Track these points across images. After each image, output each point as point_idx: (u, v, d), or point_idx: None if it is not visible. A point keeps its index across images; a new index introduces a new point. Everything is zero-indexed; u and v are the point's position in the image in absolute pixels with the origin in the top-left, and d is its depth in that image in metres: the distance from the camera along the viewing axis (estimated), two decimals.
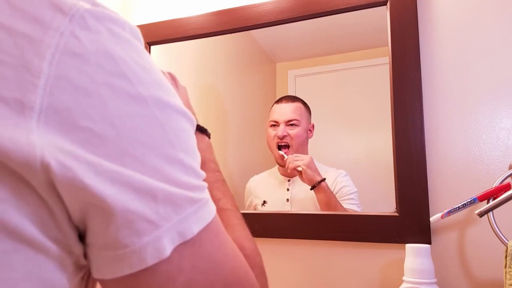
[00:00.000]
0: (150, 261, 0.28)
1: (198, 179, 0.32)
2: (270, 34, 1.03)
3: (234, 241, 0.37)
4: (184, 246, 0.29)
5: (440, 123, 0.82)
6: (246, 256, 0.36)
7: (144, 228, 0.28)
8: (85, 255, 0.31)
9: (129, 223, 0.27)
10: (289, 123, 0.98)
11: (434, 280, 0.71)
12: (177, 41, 1.08)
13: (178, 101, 0.32)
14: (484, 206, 0.71)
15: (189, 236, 0.29)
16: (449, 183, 0.80)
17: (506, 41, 0.80)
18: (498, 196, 0.71)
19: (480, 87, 0.81)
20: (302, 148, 0.98)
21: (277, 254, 0.91)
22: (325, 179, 0.93)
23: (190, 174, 0.31)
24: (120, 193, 0.27)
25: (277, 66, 1.08)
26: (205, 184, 0.33)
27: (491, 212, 0.71)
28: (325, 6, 0.92)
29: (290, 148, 0.98)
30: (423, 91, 0.83)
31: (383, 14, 0.88)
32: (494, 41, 0.81)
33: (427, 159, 0.81)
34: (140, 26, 1.11)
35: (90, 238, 0.29)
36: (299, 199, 0.97)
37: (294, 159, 0.96)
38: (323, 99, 1.02)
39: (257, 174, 1.06)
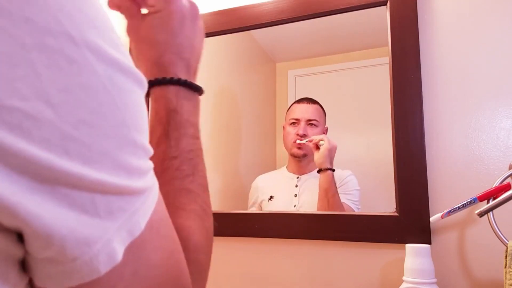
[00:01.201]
0: (103, 269, 0.24)
1: (147, 159, 0.27)
2: (270, 34, 1.03)
3: (181, 229, 0.34)
4: (130, 247, 0.25)
5: (440, 123, 0.82)
6: (186, 249, 0.33)
7: (92, 233, 0.23)
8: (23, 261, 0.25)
9: (73, 231, 0.22)
10: (310, 122, 1.00)
11: (434, 280, 0.71)
12: None
13: (130, 61, 0.27)
14: (484, 206, 0.71)
15: (137, 233, 0.25)
16: (449, 183, 0.80)
17: (506, 41, 0.80)
18: (498, 196, 0.71)
19: (480, 87, 0.81)
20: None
21: (277, 254, 0.91)
22: (334, 170, 0.95)
23: (141, 155, 0.26)
24: (51, 197, 0.21)
25: (277, 66, 1.08)
26: (151, 164, 0.28)
27: (491, 212, 0.71)
28: (325, 6, 0.92)
29: (306, 149, 1.00)
30: (423, 91, 0.83)
31: (383, 14, 0.88)
32: (494, 41, 0.81)
33: (427, 159, 0.81)
34: None
35: (29, 248, 0.23)
36: (307, 195, 0.98)
37: (320, 137, 0.98)
38: (323, 99, 1.02)
39: (257, 173, 1.06)
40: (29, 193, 0.21)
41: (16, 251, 0.24)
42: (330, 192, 0.93)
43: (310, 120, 1.00)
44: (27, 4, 0.21)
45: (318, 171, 0.95)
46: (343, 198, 0.93)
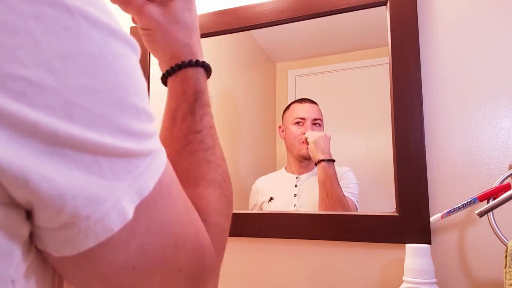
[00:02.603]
0: (116, 227, 0.25)
1: (151, 122, 0.28)
2: (270, 34, 1.03)
3: (201, 196, 0.36)
4: (140, 206, 0.26)
5: (440, 123, 0.82)
6: (206, 213, 0.35)
7: (102, 193, 0.24)
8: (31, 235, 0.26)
9: (83, 191, 0.23)
10: (315, 122, 1.00)
11: (434, 280, 0.71)
12: None
13: (119, 26, 0.27)
14: (484, 206, 0.71)
15: (146, 193, 0.27)
16: (449, 183, 0.80)
17: (506, 41, 0.80)
18: (498, 196, 0.71)
19: (480, 87, 0.81)
20: None
21: (277, 254, 0.91)
22: (329, 160, 0.94)
23: (144, 119, 0.27)
24: (60, 161, 0.23)
25: (277, 66, 1.08)
26: (156, 129, 0.30)
27: (491, 212, 0.71)
28: (325, 6, 0.92)
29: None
30: (423, 91, 0.83)
31: (383, 14, 0.88)
32: (494, 41, 0.81)
33: (427, 159, 0.81)
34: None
35: (40, 221, 0.24)
36: (306, 194, 0.98)
37: (310, 134, 0.98)
38: (323, 99, 1.02)
39: (256, 173, 1.06)
40: (39, 157, 0.22)
41: (23, 230, 0.25)
42: (327, 183, 0.92)
43: (315, 119, 0.99)
44: None
45: (316, 164, 0.95)
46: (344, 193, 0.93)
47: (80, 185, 0.23)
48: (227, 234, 0.40)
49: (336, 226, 0.86)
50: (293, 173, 1.02)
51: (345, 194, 0.93)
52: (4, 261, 0.24)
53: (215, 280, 0.37)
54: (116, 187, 0.25)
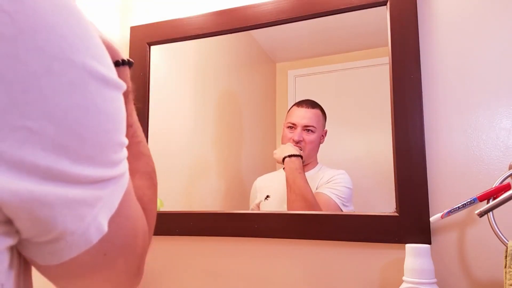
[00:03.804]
0: (95, 239, 0.30)
1: (122, 150, 0.34)
2: (270, 34, 1.03)
3: (138, 188, 0.41)
4: (112, 216, 0.32)
5: (440, 123, 0.82)
6: (143, 202, 0.41)
7: (84, 211, 0.29)
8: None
9: (71, 211, 0.28)
10: (306, 128, 1.00)
11: (434, 280, 0.71)
12: (177, 41, 1.08)
13: (113, 71, 0.32)
14: (484, 206, 0.71)
15: (114, 209, 0.32)
16: (449, 183, 0.80)
17: (506, 41, 0.80)
18: (498, 196, 0.71)
19: (480, 87, 0.81)
20: (313, 153, 1.00)
21: (277, 254, 0.91)
22: (293, 155, 0.97)
23: (118, 150, 0.32)
24: (59, 187, 0.27)
25: (277, 66, 1.08)
26: (126, 153, 0.34)
27: (491, 212, 0.71)
28: (325, 6, 0.92)
29: (302, 152, 0.99)
30: (423, 91, 0.83)
31: (383, 14, 0.88)
32: (494, 41, 0.81)
33: (427, 159, 0.81)
34: (140, 26, 1.11)
35: (29, 236, 0.29)
36: None
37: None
38: (323, 99, 1.02)
39: (257, 173, 1.06)
40: (39, 187, 0.26)
41: (12, 241, 0.29)
42: (290, 178, 0.96)
43: (306, 126, 1.00)
44: (38, 34, 0.25)
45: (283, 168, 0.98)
46: (325, 190, 0.94)
47: (69, 207, 0.28)
48: (155, 218, 0.47)
49: (336, 226, 0.86)
50: None
51: (328, 193, 0.94)
52: None
53: (147, 249, 0.44)
54: (94, 205, 0.30)
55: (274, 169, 1.05)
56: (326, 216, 0.88)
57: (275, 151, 1.01)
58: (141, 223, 0.39)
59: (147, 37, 1.10)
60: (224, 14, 1.02)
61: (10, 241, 0.29)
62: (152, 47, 1.11)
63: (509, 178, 0.73)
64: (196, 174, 1.11)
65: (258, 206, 1.02)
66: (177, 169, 1.11)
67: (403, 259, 0.75)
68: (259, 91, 1.11)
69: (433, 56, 0.84)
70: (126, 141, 0.34)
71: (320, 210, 0.91)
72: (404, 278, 0.73)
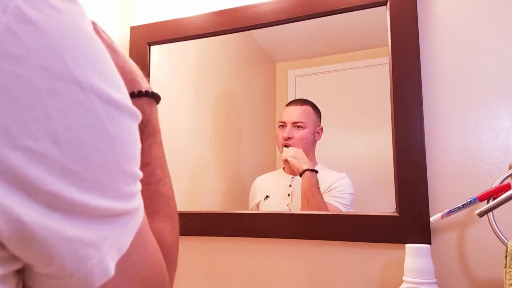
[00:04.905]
0: (98, 283, 0.27)
1: (135, 183, 0.31)
2: (270, 34, 1.03)
3: (157, 232, 0.38)
4: (120, 259, 0.29)
5: (440, 123, 0.82)
6: (164, 249, 0.37)
7: (88, 253, 0.26)
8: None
9: (72, 251, 0.26)
10: (296, 125, 1.00)
11: (434, 280, 0.71)
12: (177, 41, 1.08)
13: (127, 97, 0.30)
14: (484, 206, 0.71)
15: (124, 249, 0.29)
16: (449, 183, 0.80)
17: (506, 41, 0.80)
18: (498, 196, 0.70)
19: (480, 87, 0.81)
20: (308, 150, 1.00)
21: (277, 254, 0.91)
22: (312, 170, 0.96)
23: (130, 182, 0.30)
24: (58, 221, 0.25)
25: (277, 66, 1.08)
26: (139, 186, 0.32)
27: (491, 212, 0.71)
28: (325, 6, 0.92)
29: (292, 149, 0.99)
30: (423, 91, 0.83)
31: (383, 14, 0.88)
32: (494, 41, 0.81)
33: (427, 159, 0.81)
34: (140, 26, 1.11)
35: (30, 263, 0.27)
36: (299, 195, 0.98)
37: (285, 152, 1.00)
38: (323, 99, 1.02)
39: (257, 173, 1.06)
40: (42, 216, 0.24)
41: (15, 266, 0.27)
42: (308, 192, 0.95)
43: (295, 122, 1.00)
44: (43, 53, 0.24)
45: (300, 176, 0.97)
46: (331, 200, 0.94)
47: (71, 245, 0.26)
48: (176, 265, 0.43)
49: (336, 226, 0.86)
50: (289, 173, 1.02)
51: (335, 203, 0.93)
52: None
53: None
54: (101, 246, 0.27)
55: (274, 169, 1.05)
56: (326, 216, 0.88)
57: (287, 155, 0.99)
58: (159, 271, 0.35)
59: (147, 37, 1.10)
60: (224, 14, 1.02)
61: (16, 265, 0.27)
62: (152, 47, 1.11)
63: (509, 178, 0.73)
64: (196, 174, 1.11)
65: (257, 206, 1.02)
66: (177, 169, 1.11)
67: (403, 259, 0.75)
68: (259, 91, 1.11)
69: (433, 56, 0.84)
70: (140, 173, 0.32)
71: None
72: (404, 278, 0.73)
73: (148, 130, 0.44)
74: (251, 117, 1.11)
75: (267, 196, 1.02)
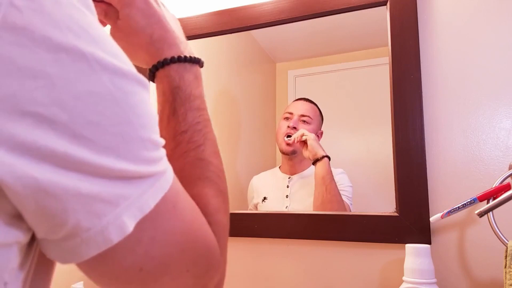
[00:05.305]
0: (116, 239, 0.28)
1: (157, 149, 0.32)
2: (270, 34, 1.03)
3: (199, 197, 0.38)
4: (144, 220, 0.30)
5: (440, 123, 0.82)
6: (207, 214, 0.37)
7: (102, 208, 0.27)
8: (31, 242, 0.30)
9: (86, 206, 0.27)
10: (302, 118, 1.00)
11: (434, 280, 0.71)
12: None
13: (131, 67, 0.31)
14: (484, 206, 0.71)
15: (147, 211, 0.30)
16: (449, 183, 0.80)
17: (506, 41, 0.80)
18: (498, 196, 0.70)
19: (480, 87, 0.81)
20: None
21: (277, 254, 0.91)
22: (328, 156, 0.95)
23: (149, 148, 0.30)
24: (71, 179, 0.26)
25: (277, 66, 1.08)
26: (163, 152, 0.33)
27: (491, 212, 0.71)
28: (325, 6, 0.92)
29: (295, 145, 0.99)
30: (423, 91, 0.83)
31: (383, 14, 0.88)
32: (494, 41, 0.81)
33: (427, 159, 0.81)
34: None
35: (44, 234, 0.28)
36: (298, 196, 0.98)
37: (300, 133, 0.99)
38: (323, 99, 1.02)
39: (256, 173, 1.06)
40: (52, 176, 0.26)
41: (22, 239, 0.28)
42: (327, 178, 0.94)
43: (303, 115, 1.00)
44: (45, 26, 0.26)
45: (314, 163, 0.95)
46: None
47: (82, 203, 0.27)
48: (228, 229, 0.42)
49: (336, 226, 0.86)
50: (286, 173, 1.02)
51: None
52: None
53: (222, 274, 0.39)
54: (116, 204, 0.28)
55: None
56: (326, 216, 0.88)
57: (307, 136, 0.98)
58: (195, 238, 0.34)
59: None
60: (224, 14, 1.02)
61: (20, 237, 0.28)
62: None
63: (509, 178, 0.73)
64: None
65: (256, 206, 1.02)
66: None
67: (403, 259, 0.75)
68: (259, 91, 1.11)
69: (433, 56, 0.84)
70: (161, 141, 0.32)
71: (345, 210, 0.92)
72: (404, 278, 0.73)
73: (180, 97, 0.43)
74: (251, 117, 1.11)
75: (265, 198, 1.01)
